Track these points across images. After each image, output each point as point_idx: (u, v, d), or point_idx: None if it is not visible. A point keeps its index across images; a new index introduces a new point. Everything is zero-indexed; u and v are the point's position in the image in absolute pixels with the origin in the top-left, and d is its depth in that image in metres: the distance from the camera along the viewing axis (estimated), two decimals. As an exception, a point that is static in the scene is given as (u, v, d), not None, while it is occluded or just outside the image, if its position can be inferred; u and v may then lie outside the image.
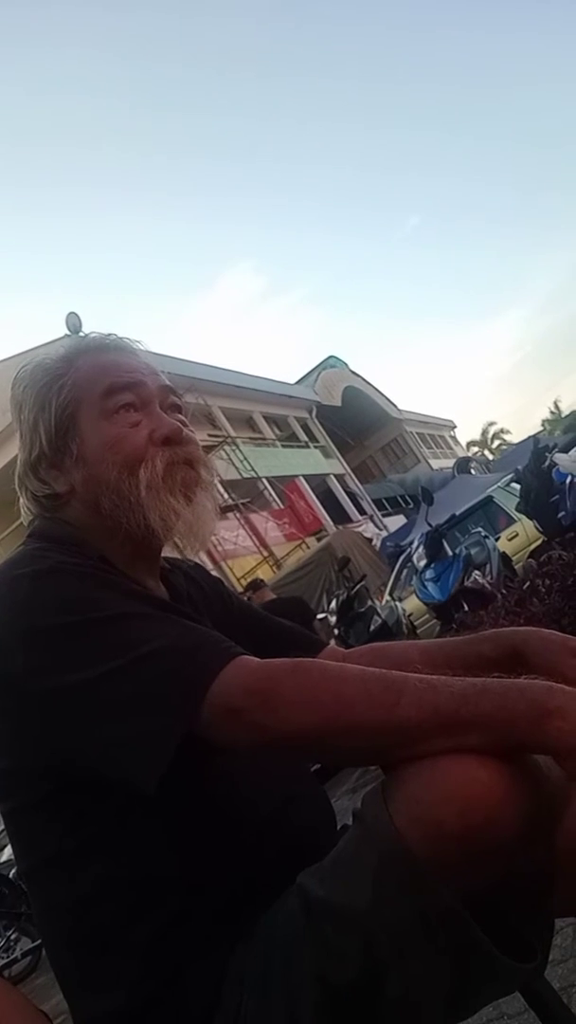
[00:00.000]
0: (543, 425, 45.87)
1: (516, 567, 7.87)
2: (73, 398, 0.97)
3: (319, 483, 26.12)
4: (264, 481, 21.66)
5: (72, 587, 0.85)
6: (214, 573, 1.24)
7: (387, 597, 9.69)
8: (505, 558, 7.86)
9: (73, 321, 16.23)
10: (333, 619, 7.12)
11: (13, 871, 6.35)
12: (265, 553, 18.81)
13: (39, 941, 5.79)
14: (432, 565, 7.09)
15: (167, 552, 1.06)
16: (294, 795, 0.94)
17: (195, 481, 1.00)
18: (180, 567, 1.14)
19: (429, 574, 7.05)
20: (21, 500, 1.03)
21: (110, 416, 0.97)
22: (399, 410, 38.16)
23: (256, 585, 6.89)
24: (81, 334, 1.08)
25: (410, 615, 8.25)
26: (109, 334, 1.05)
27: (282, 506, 22.27)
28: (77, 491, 0.97)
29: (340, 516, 25.23)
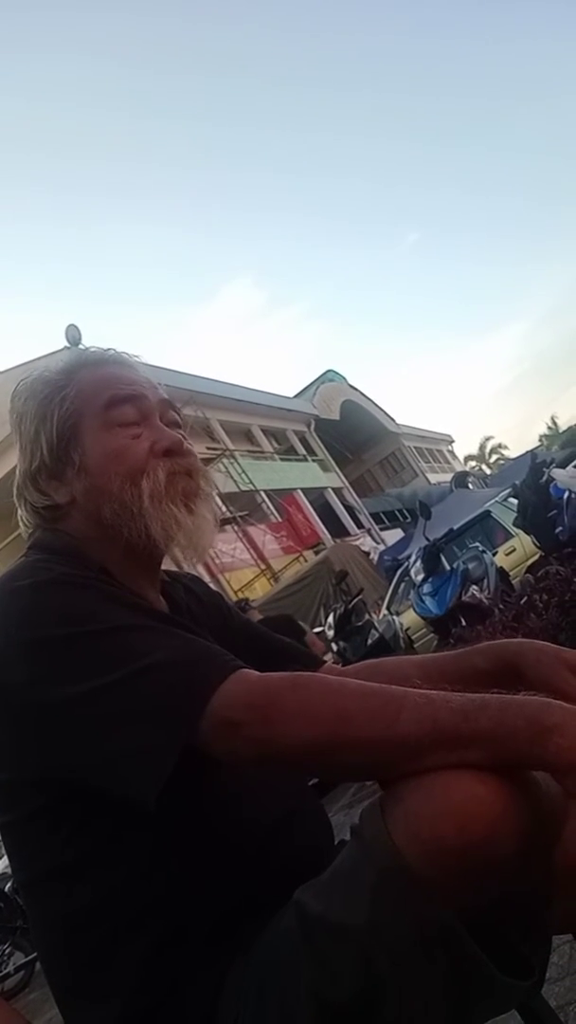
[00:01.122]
0: (541, 440, 45.97)
1: (513, 582, 7.86)
2: (75, 410, 0.98)
3: (317, 496, 26.15)
4: (262, 494, 21.67)
5: (73, 599, 0.85)
6: (211, 585, 1.24)
7: (384, 611, 9.68)
8: (502, 573, 7.85)
9: (73, 333, 16.27)
10: (330, 633, 7.10)
11: (9, 884, 6.31)
12: (263, 566, 18.79)
13: (32, 955, 5.75)
14: (430, 579, 7.09)
15: (166, 564, 1.07)
16: (293, 810, 0.94)
17: (195, 492, 1.00)
18: (180, 579, 1.14)
19: (427, 588, 7.04)
20: (19, 512, 1.03)
21: (112, 428, 0.98)
22: (397, 424, 38.25)
23: (243, 607, 6.67)
24: (81, 347, 1.09)
25: (407, 629, 8.24)
26: (108, 349, 1.06)
27: (280, 519, 22.28)
28: (78, 502, 0.97)
29: (338, 530, 25.24)
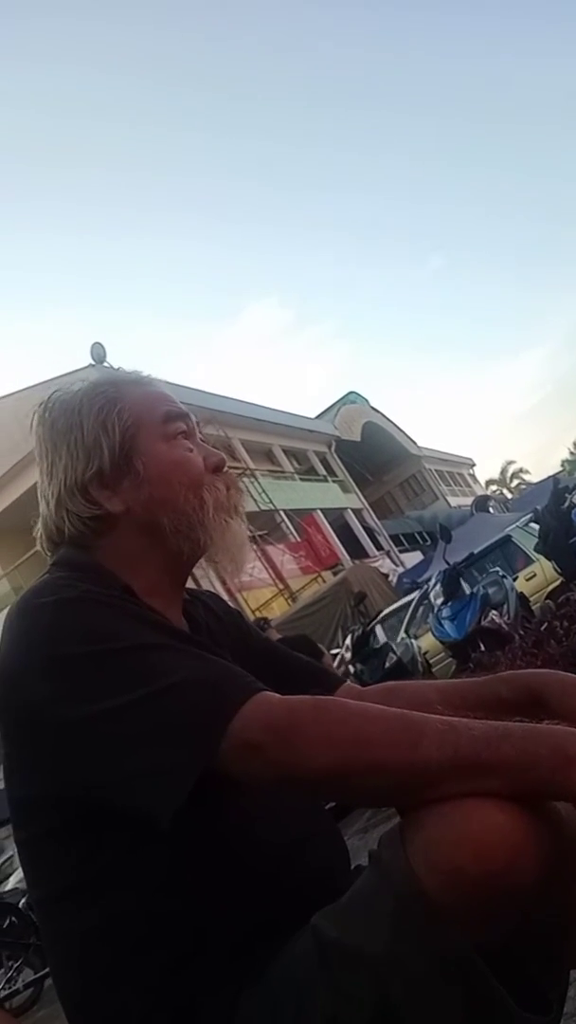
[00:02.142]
0: (563, 465, 45.63)
1: (533, 608, 7.79)
2: (134, 421, 0.99)
3: (336, 517, 26.12)
4: (281, 513, 21.69)
5: (96, 616, 0.85)
6: (230, 604, 1.24)
7: (403, 634, 9.62)
8: (523, 598, 7.79)
9: (98, 351, 16.45)
10: (348, 655, 7.07)
11: (23, 900, 6.29)
12: (281, 586, 18.77)
13: (42, 972, 5.72)
14: (449, 603, 7.05)
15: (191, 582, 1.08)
16: (309, 833, 0.93)
17: (239, 506, 1.04)
18: (199, 598, 1.14)
19: (446, 612, 7.01)
20: (49, 525, 1.00)
21: (170, 440, 1.00)
22: (418, 447, 38.20)
23: (262, 627, 6.73)
24: (106, 364, 1.11)
25: (425, 653, 8.18)
26: (133, 371, 1.08)
27: (299, 539, 22.26)
28: (132, 511, 0.98)
29: (357, 551, 25.17)
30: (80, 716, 0.79)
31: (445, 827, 0.71)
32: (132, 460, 0.98)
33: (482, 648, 6.36)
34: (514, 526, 10.78)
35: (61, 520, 0.98)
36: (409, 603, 9.75)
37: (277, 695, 0.81)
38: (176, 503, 0.97)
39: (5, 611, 0.94)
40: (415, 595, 9.57)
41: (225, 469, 1.04)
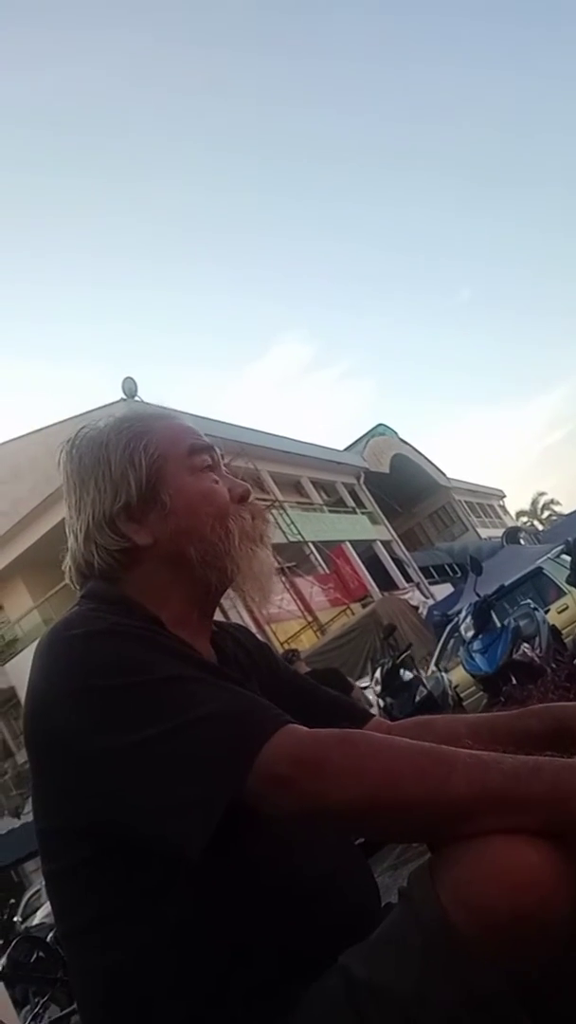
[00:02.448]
0: (594, 496, 45.21)
1: (566, 641, 7.69)
2: (161, 454, 1.01)
3: (365, 549, 26.05)
4: (310, 545, 21.68)
5: (125, 649, 0.86)
6: (258, 636, 1.24)
7: (433, 667, 9.52)
8: (555, 631, 7.68)
9: (129, 386, 16.69)
10: (377, 688, 7.01)
11: (51, 934, 6.24)
12: (309, 618, 18.71)
13: (68, 1009, 5.65)
14: (480, 636, 6.96)
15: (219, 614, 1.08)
16: (339, 868, 0.92)
17: (265, 536, 1.05)
18: (228, 630, 1.14)
19: (476, 645, 6.91)
20: (78, 559, 1.01)
21: (196, 472, 1.02)
22: (448, 478, 38.10)
23: (291, 659, 6.62)
24: (137, 398, 1.13)
25: (456, 687, 8.08)
26: (151, 406, 1.11)
27: (328, 571, 22.21)
28: (160, 543, 0.98)
29: (386, 583, 25.05)
30: (108, 748, 0.80)
31: (475, 864, 0.70)
32: (159, 492, 0.99)
33: (513, 682, 6.26)
34: (545, 558, 10.68)
35: (90, 553, 0.99)
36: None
37: (305, 728, 0.81)
38: (203, 533, 0.98)
39: (35, 643, 0.95)
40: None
41: (251, 499, 1.05)
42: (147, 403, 1.18)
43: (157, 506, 0.99)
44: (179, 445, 1.02)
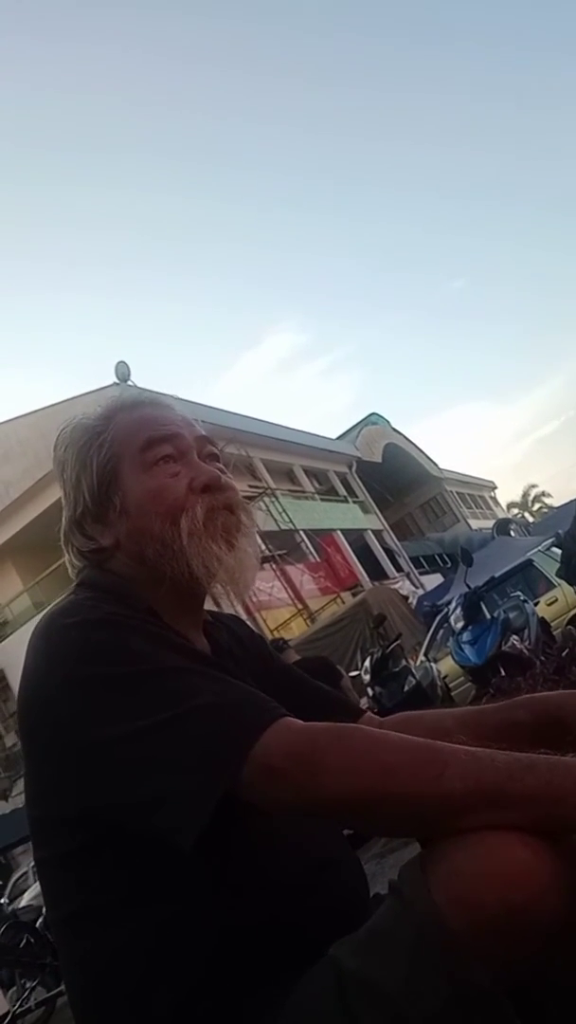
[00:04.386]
0: (585, 489, 45.36)
1: (555, 633, 7.72)
2: (113, 453, 1.00)
3: (356, 538, 26.08)
4: (301, 534, 21.68)
5: (120, 639, 0.86)
6: (248, 623, 1.24)
7: (422, 657, 9.55)
8: (544, 624, 7.72)
9: (122, 370, 16.60)
10: (366, 677, 7.02)
11: (40, 919, 6.27)
12: (299, 606, 18.73)
13: (55, 991, 5.69)
14: (469, 627, 6.98)
15: (208, 604, 1.07)
16: (328, 860, 0.92)
17: (236, 526, 1.01)
18: (222, 620, 1.14)
19: (466, 636, 6.94)
20: (66, 556, 1.05)
21: (149, 468, 0.99)
22: (440, 469, 38.15)
23: (280, 647, 6.55)
24: (129, 383, 1.12)
25: (445, 677, 8.11)
26: (144, 391, 1.09)
27: (318, 559, 22.23)
28: (122, 543, 0.99)
29: (376, 572, 25.10)
30: (102, 737, 0.80)
31: (468, 860, 0.70)
32: (111, 495, 0.99)
33: (502, 673, 6.29)
34: (536, 550, 10.71)
35: (71, 552, 1.03)
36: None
37: (299, 721, 0.81)
38: (154, 533, 0.96)
39: (27, 626, 0.96)
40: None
41: (220, 486, 1.00)
42: (140, 387, 1.16)
43: (112, 508, 0.99)
44: (134, 440, 1.00)
